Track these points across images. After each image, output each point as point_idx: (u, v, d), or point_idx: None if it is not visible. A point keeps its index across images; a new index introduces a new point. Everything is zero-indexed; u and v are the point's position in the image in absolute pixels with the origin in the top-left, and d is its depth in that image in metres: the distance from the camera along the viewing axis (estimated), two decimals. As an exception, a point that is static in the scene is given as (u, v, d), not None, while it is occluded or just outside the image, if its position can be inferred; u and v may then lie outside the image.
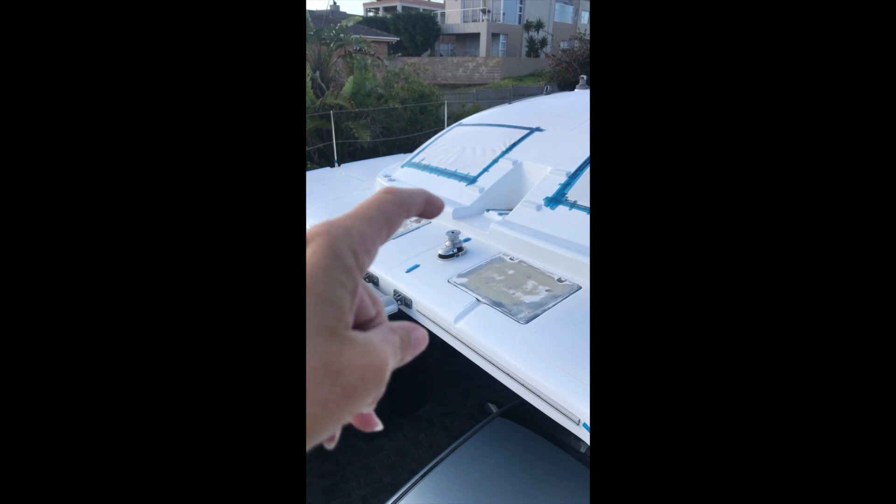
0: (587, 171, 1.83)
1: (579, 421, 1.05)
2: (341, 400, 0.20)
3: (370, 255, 0.24)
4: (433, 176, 2.30)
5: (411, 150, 2.93)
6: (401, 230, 1.95)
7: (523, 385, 1.18)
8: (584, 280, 1.47)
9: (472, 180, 2.13)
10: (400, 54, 19.55)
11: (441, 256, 1.68)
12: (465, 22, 25.86)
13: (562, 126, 2.26)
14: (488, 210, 2.00)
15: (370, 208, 0.25)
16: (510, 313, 1.34)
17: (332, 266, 0.21)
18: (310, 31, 7.40)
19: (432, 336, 1.51)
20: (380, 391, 0.22)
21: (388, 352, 0.23)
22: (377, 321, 0.25)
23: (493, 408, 2.19)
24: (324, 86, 7.43)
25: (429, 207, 0.28)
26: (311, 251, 0.22)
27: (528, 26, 24.87)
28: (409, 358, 0.25)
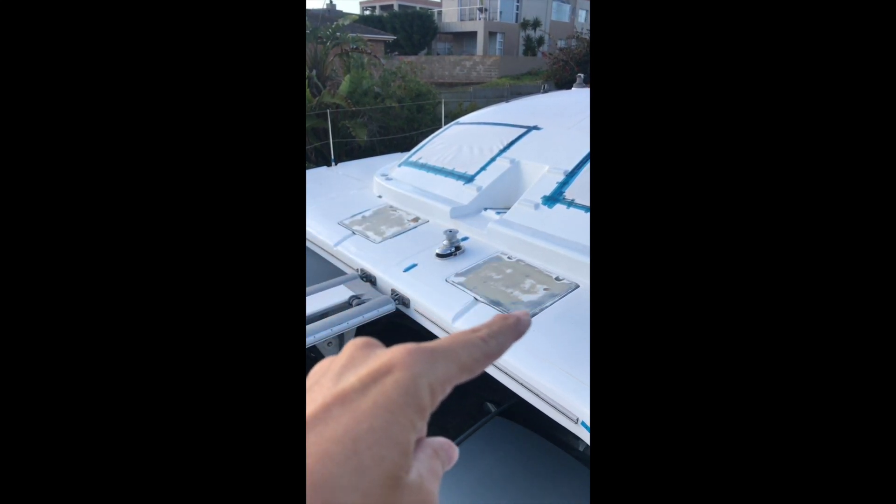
0: (585, 170, 1.83)
1: (578, 419, 1.05)
2: None
3: (445, 393, 0.22)
4: (430, 175, 2.29)
5: (408, 149, 2.92)
6: (398, 229, 1.95)
7: (521, 384, 1.19)
8: (582, 279, 1.48)
9: (469, 179, 2.13)
10: (397, 53, 19.52)
11: (439, 255, 1.68)
12: (462, 20, 25.85)
13: (559, 124, 2.25)
14: (486, 209, 2.00)
15: (464, 349, 0.23)
16: (508, 312, 1.34)
17: (407, 406, 0.20)
18: (307, 30, 7.38)
19: (430, 335, 1.51)
20: None
21: (436, 488, 0.21)
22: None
23: (491, 407, 2.20)
24: (320, 85, 7.42)
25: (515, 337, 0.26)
26: (390, 384, 0.20)
27: (525, 25, 24.87)
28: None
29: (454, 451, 0.24)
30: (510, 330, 0.25)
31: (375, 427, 0.19)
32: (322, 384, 0.22)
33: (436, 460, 0.22)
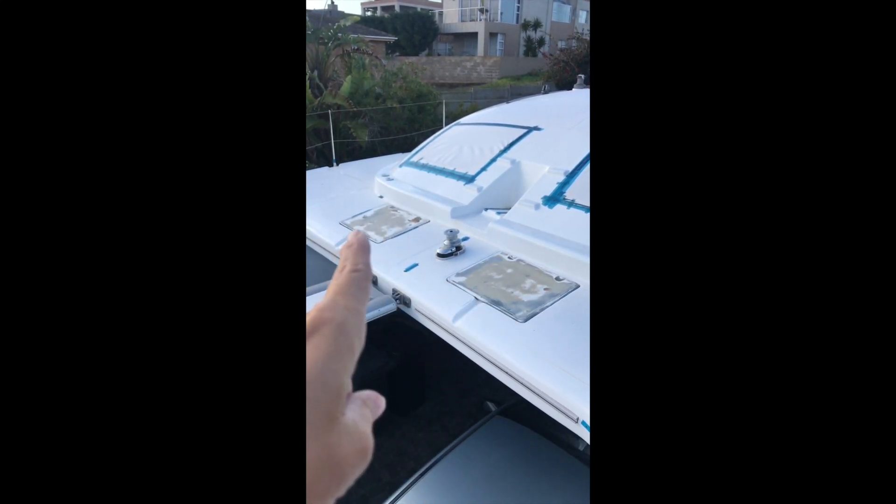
0: (585, 170, 1.83)
1: (578, 419, 1.05)
2: (337, 489, 0.21)
3: (365, 328, 0.25)
4: (431, 175, 2.30)
5: (409, 150, 2.93)
6: (399, 229, 1.95)
7: (522, 383, 1.19)
8: (582, 278, 1.48)
9: (470, 179, 2.13)
10: (398, 54, 19.52)
11: (439, 255, 1.68)
12: (462, 21, 25.85)
13: (560, 125, 2.26)
14: (486, 209, 2.00)
15: (350, 286, 0.26)
16: (509, 312, 1.35)
17: (341, 353, 0.23)
18: (308, 31, 7.39)
19: (431, 335, 1.51)
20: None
21: (369, 431, 0.24)
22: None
23: (491, 406, 2.20)
24: (322, 85, 7.42)
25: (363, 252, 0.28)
26: (320, 339, 0.23)
27: (525, 26, 24.87)
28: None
29: (381, 400, 0.27)
30: (361, 251, 0.27)
31: (311, 378, 0.21)
32: None
33: (365, 409, 0.25)
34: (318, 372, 0.22)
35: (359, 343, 0.24)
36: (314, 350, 0.22)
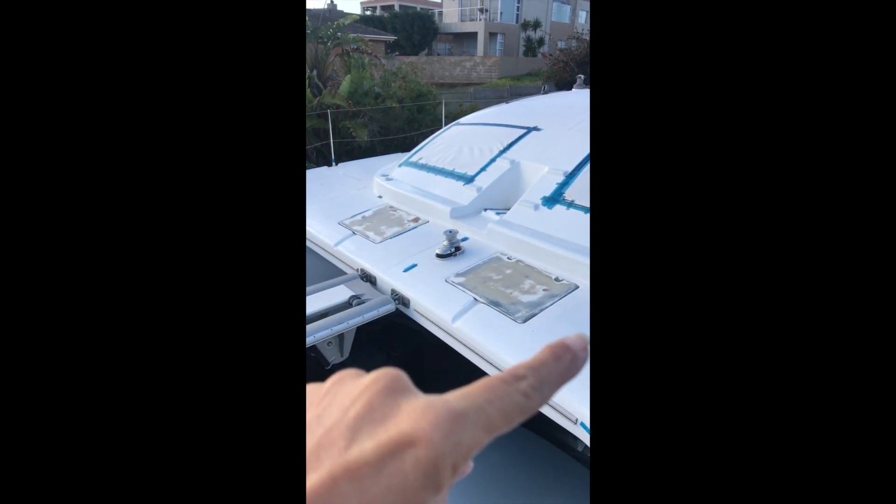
0: (585, 171, 1.83)
1: (577, 420, 1.05)
2: None
3: (469, 466, 0.20)
4: (430, 175, 2.30)
5: (409, 150, 2.93)
6: (398, 229, 1.95)
7: (521, 384, 1.18)
8: (582, 279, 1.48)
9: (469, 179, 2.13)
10: (397, 53, 19.53)
11: (439, 256, 1.68)
12: (462, 21, 25.88)
13: (559, 125, 2.26)
14: (486, 209, 2.00)
15: (498, 407, 0.20)
16: (508, 312, 1.35)
17: (424, 489, 0.18)
18: (307, 30, 7.39)
19: (430, 335, 1.51)
20: None
21: None
22: None
23: (490, 407, 2.20)
24: (321, 85, 7.43)
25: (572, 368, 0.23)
26: (409, 463, 0.18)
27: (525, 26, 24.91)
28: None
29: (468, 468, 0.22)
30: (560, 378, 0.22)
31: None
32: (332, 438, 0.19)
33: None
34: None
35: (450, 479, 0.19)
36: (397, 479, 0.17)
